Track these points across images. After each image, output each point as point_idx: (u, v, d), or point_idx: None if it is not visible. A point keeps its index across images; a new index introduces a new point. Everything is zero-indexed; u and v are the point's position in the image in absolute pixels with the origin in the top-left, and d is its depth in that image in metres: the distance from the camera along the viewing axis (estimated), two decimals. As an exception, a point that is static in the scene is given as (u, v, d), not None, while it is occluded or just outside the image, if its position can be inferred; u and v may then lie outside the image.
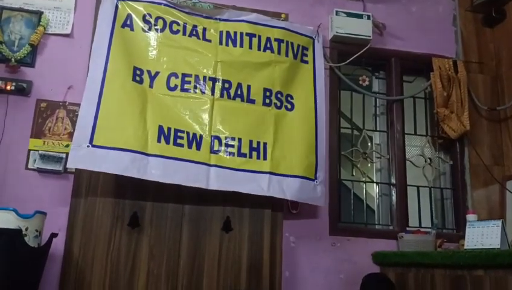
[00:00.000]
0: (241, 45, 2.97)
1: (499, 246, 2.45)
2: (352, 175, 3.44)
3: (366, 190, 3.50)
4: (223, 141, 2.72)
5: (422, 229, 3.21)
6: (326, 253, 3.05)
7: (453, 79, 3.40)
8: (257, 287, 2.63)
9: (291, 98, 3.04)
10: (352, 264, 3.02)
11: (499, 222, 2.56)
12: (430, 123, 3.63)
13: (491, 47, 3.68)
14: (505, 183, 3.30)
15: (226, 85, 2.83)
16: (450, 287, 2.52)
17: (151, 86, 2.72)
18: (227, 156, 2.70)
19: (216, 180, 2.61)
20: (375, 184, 3.52)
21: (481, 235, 2.63)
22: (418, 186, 3.47)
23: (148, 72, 2.74)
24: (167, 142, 2.58)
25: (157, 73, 2.75)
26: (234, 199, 2.73)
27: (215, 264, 2.64)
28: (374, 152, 3.49)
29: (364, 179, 3.47)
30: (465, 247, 2.66)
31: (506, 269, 2.24)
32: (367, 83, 3.53)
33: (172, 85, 2.75)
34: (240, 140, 2.75)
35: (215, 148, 2.69)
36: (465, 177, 3.43)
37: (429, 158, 3.53)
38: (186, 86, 2.76)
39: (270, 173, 2.76)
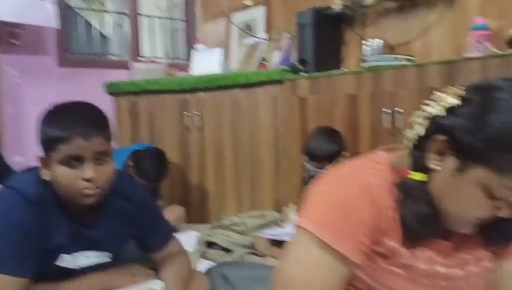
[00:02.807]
0: None
1: (220, 72, 2.71)
2: (94, 10, 3.16)
3: (100, 20, 3.31)
4: None
5: (154, 59, 3.29)
6: (55, 86, 2.88)
7: None
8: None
9: None
10: (85, 96, 2.83)
11: (221, 50, 2.80)
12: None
13: None
14: (231, 16, 3.52)
15: None
16: (178, 109, 2.74)
17: None
18: None
19: None
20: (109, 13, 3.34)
21: (206, 62, 2.85)
22: (150, 16, 3.45)
23: None
24: None
25: None
26: None
27: None
28: (106, -22, 3.25)
29: (97, 8, 3.25)
30: (191, 73, 2.86)
31: (223, 90, 2.54)
32: None
33: None
34: None
35: None
36: (196, 9, 3.55)
37: (163, -12, 3.49)
38: None
39: None
